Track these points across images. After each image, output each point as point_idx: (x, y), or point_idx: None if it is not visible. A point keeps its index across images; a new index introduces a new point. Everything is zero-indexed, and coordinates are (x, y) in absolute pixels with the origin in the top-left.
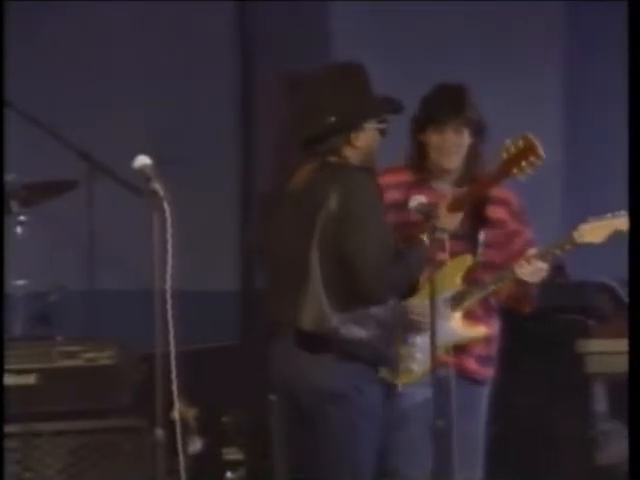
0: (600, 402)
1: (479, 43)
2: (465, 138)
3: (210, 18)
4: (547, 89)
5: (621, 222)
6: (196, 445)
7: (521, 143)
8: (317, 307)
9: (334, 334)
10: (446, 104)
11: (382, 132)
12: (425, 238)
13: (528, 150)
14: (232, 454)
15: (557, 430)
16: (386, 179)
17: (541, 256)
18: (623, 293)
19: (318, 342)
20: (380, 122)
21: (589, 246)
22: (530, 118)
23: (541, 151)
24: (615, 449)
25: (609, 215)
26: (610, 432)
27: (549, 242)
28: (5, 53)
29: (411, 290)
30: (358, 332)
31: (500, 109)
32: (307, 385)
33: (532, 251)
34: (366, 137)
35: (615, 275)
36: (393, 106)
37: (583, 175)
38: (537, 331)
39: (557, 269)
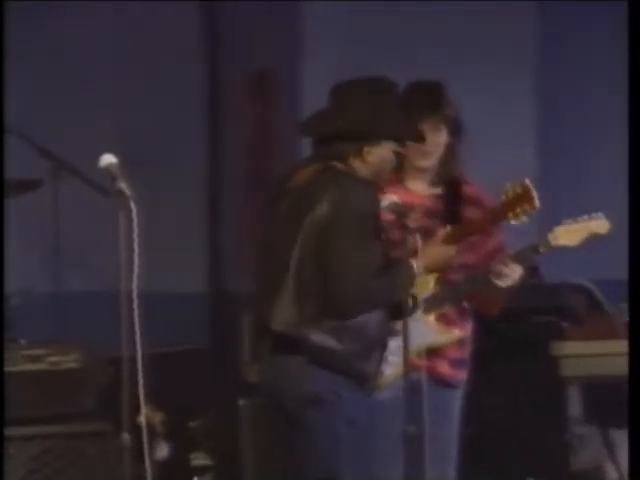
0: (575, 406)
1: (450, 44)
2: (443, 137)
3: (178, 18)
4: (519, 90)
5: (597, 225)
6: (163, 450)
7: (519, 189)
8: (288, 310)
9: (304, 339)
10: (424, 100)
11: (398, 155)
12: (413, 261)
13: (524, 197)
14: (200, 459)
15: (531, 434)
16: None
17: (516, 258)
18: (598, 294)
19: (290, 345)
20: (399, 145)
21: (564, 249)
22: (502, 119)
23: (537, 202)
24: (590, 453)
25: (585, 217)
26: (585, 436)
27: (522, 243)
28: (5, 53)
29: (396, 310)
30: (330, 342)
31: (471, 110)
32: (287, 388)
33: (507, 253)
34: (380, 154)
35: (590, 276)
36: (415, 134)
37: (557, 176)
38: (511, 333)
39: (531, 270)
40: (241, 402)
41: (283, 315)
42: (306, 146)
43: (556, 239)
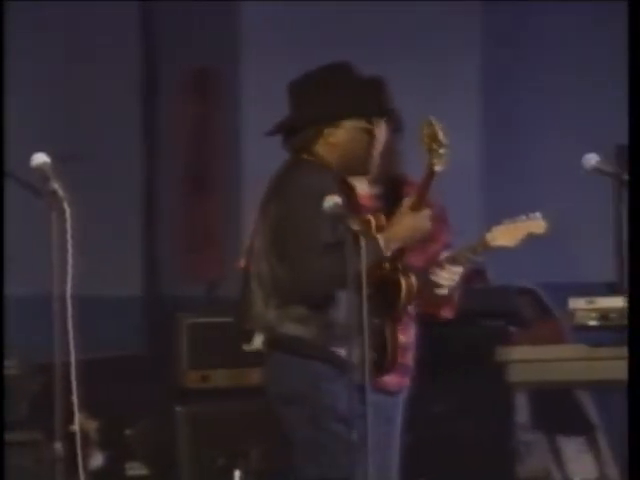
0: (521, 412)
1: (391, 42)
2: (385, 134)
3: (115, 17)
4: (462, 88)
5: (535, 224)
6: (98, 460)
7: (427, 130)
8: (253, 304)
9: (271, 331)
10: (368, 97)
11: (370, 133)
12: (379, 237)
13: (433, 137)
14: (135, 469)
15: (477, 441)
16: None
17: (453, 260)
18: (546, 297)
19: (265, 342)
20: (367, 122)
21: (504, 250)
22: (445, 117)
23: (442, 136)
24: (537, 461)
25: (523, 217)
26: (531, 443)
27: (469, 241)
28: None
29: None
30: (297, 330)
31: (413, 108)
32: (267, 387)
33: (444, 255)
34: (343, 135)
35: (537, 279)
36: (377, 108)
37: (501, 175)
38: (457, 338)
39: (478, 273)
40: (178, 409)
41: (250, 311)
42: (246, 145)
43: (494, 240)
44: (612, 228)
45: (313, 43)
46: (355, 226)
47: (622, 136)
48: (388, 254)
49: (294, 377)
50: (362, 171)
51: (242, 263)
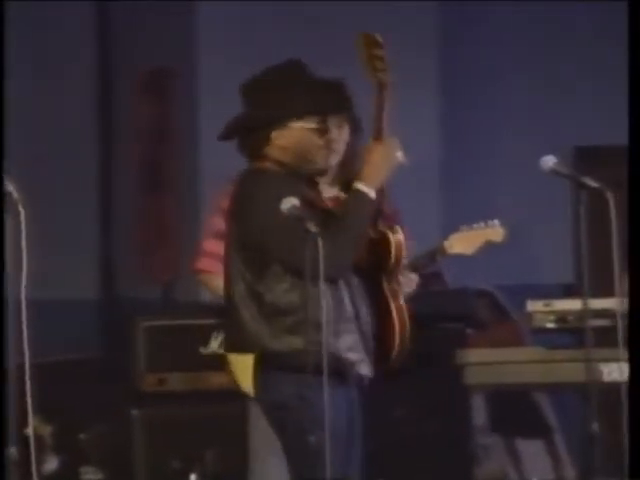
0: (479, 415)
1: (348, 42)
2: (346, 135)
3: (69, 16)
4: (423, 89)
5: (492, 232)
6: (52, 464)
7: (361, 42)
8: (239, 321)
9: (258, 346)
10: (318, 97)
11: (322, 133)
12: (361, 186)
13: (369, 45)
14: (90, 473)
15: (435, 444)
16: None
17: (410, 266)
18: (503, 299)
19: (254, 356)
20: (318, 122)
21: (461, 257)
22: (404, 118)
23: (378, 37)
24: (494, 463)
25: (481, 224)
26: (489, 446)
27: (423, 248)
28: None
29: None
30: (287, 341)
31: (372, 108)
32: (259, 400)
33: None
34: (292, 136)
35: (494, 281)
36: (329, 107)
37: (459, 176)
38: (414, 341)
39: (435, 276)
40: (134, 412)
41: (234, 327)
42: (202, 145)
43: (452, 247)
44: (570, 230)
45: (269, 43)
46: (313, 228)
47: (580, 138)
48: (373, 195)
49: (278, 389)
50: (317, 172)
51: (200, 265)
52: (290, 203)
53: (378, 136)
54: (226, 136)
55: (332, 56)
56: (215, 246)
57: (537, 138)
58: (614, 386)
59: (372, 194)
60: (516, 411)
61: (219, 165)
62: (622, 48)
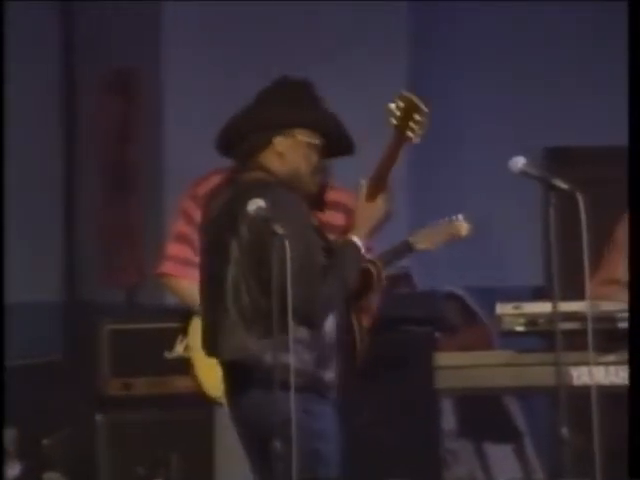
0: (448, 419)
1: (316, 43)
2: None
3: (33, 15)
4: (390, 89)
5: (458, 227)
6: (14, 470)
7: (402, 104)
8: (234, 335)
9: (256, 362)
10: (323, 114)
11: (318, 151)
12: (355, 239)
13: (411, 109)
14: (53, 479)
15: (403, 448)
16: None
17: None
18: (472, 302)
19: (244, 373)
20: (316, 138)
21: (426, 252)
22: (373, 119)
23: (423, 106)
24: (463, 468)
25: (446, 219)
26: (458, 451)
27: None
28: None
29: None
30: (285, 359)
31: (338, 109)
32: (255, 420)
33: (365, 259)
34: (292, 146)
35: (464, 283)
36: (329, 126)
37: (428, 175)
38: (382, 344)
39: (404, 278)
40: (98, 417)
41: (230, 342)
42: (168, 145)
43: (417, 242)
44: (540, 231)
45: (235, 43)
46: (280, 230)
47: (550, 139)
48: (363, 250)
49: (283, 408)
50: (306, 189)
51: (164, 268)
52: (256, 204)
53: (379, 187)
54: (225, 137)
55: (299, 56)
56: (178, 249)
57: (506, 139)
58: (584, 390)
59: (362, 248)
60: (485, 415)
61: (184, 166)
62: (591, 47)
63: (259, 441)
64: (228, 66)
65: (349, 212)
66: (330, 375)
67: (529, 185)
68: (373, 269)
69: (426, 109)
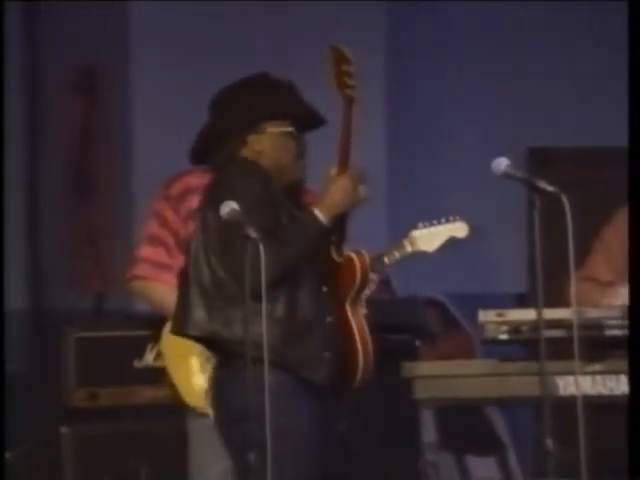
0: (428, 431)
1: (289, 44)
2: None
3: None
4: (370, 90)
5: (457, 228)
6: None
7: (331, 57)
8: (196, 310)
9: (217, 336)
10: (289, 100)
11: (294, 137)
12: (316, 210)
13: (337, 61)
14: None
15: (381, 461)
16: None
17: (370, 267)
18: (453, 309)
19: (209, 350)
20: (291, 126)
21: (421, 255)
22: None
23: (349, 54)
24: None
25: (443, 220)
26: (439, 464)
27: (376, 250)
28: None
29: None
30: (252, 332)
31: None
32: (218, 405)
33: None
34: (268, 141)
35: (445, 289)
36: (300, 110)
37: (408, 177)
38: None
39: (382, 283)
40: (63, 429)
41: (193, 317)
42: (137, 148)
43: (412, 244)
44: (524, 235)
45: (205, 43)
46: (253, 233)
47: (533, 138)
48: (328, 224)
49: (245, 391)
50: (293, 177)
51: (135, 271)
52: (229, 207)
53: (344, 163)
54: (198, 150)
55: (277, 57)
56: (151, 252)
57: (489, 139)
58: (569, 400)
59: (325, 222)
60: (467, 426)
61: (153, 168)
62: (575, 47)
63: (233, 424)
64: (197, 65)
65: None
66: (308, 355)
67: (513, 187)
68: (356, 259)
69: (349, 55)
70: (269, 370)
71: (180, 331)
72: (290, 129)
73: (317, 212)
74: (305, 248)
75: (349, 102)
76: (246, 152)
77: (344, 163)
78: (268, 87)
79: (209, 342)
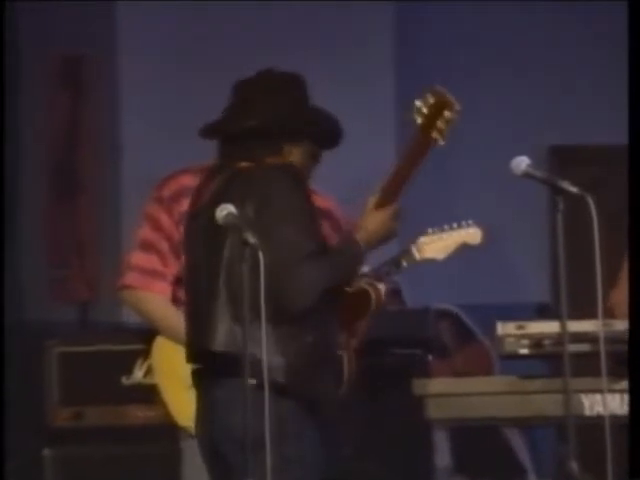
0: (441, 453)
1: (294, 43)
2: None
3: None
4: (379, 92)
5: (469, 234)
6: None
7: (431, 99)
8: (225, 326)
9: (246, 356)
10: (321, 121)
11: (315, 158)
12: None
13: (441, 105)
14: None
15: None
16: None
17: (374, 276)
18: (469, 321)
19: (232, 368)
20: (317, 148)
21: (430, 263)
22: (361, 120)
23: (456, 103)
24: None
25: (454, 225)
26: None
27: (382, 258)
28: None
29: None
30: (275, 354)
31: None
32: (223, 428)
33: (362, 270)
34: (299, 156)
35: (459, 300)
36: (333, 137)
37: (421, 179)
38: (366, 369)
39: (392, 293)
40: (46, 452)
41: (221, 334)
42: (126, 146)
43: (421, 251)
44: (546, 241)
45: (192, 38)
46: (251, 239)
47: (555, 137)
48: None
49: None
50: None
51: (126, 280)
52: (226, 210)
53: (392, 196)
54: (223, 129)
55: (270, 55)
56: (144, 259)
57: (507, 137)
58: (597, 420)
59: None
60: (484, 449)
61: (143, 168)
62: (588, 47)
63: (218, 456)
64: (185, 58)
65: (332, 218)
66: (323, 386)
67: (534, 188)
68: (372, 293)
69: (458, 106)
70: (282, 395)
71: (203, 347)
72: (319, 152)
73: (359, 239)
74: (344, 274)
75: (428, 145)
76: (276, 158)
77: (392, 196)
78: (305, 98)
79: (227, 359)
